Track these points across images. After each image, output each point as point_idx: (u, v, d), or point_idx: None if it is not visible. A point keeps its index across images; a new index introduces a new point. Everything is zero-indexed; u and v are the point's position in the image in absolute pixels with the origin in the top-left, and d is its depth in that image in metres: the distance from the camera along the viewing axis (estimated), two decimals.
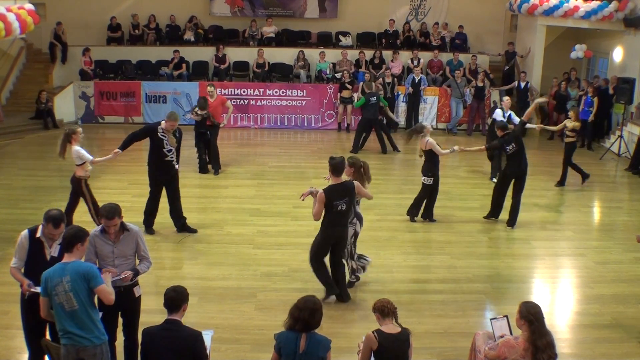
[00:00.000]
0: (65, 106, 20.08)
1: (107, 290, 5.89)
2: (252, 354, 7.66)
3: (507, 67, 21.74)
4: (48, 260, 6.29)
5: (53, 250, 6.42)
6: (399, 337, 6.05)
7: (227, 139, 18.32)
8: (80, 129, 10.70)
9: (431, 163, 11.92)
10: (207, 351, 5.92)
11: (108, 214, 6.50)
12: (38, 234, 6.49)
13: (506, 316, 6.78)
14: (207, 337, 6.20)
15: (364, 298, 9.00)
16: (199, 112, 14.69)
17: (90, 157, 10.47)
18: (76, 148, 10.39)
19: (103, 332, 5.88)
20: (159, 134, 10.71)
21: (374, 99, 17.47)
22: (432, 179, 11.94)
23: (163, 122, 10.76)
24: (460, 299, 9.29)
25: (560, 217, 12.93)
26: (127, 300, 6.76)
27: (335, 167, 8.42)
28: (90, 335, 5.74)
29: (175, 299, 5.74)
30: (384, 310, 6.13)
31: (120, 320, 6.92)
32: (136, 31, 22.09)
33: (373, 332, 6.04)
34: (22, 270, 6.46)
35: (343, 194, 8.45)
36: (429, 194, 12.14)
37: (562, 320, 8.88)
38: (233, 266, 10.10)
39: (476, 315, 8.89)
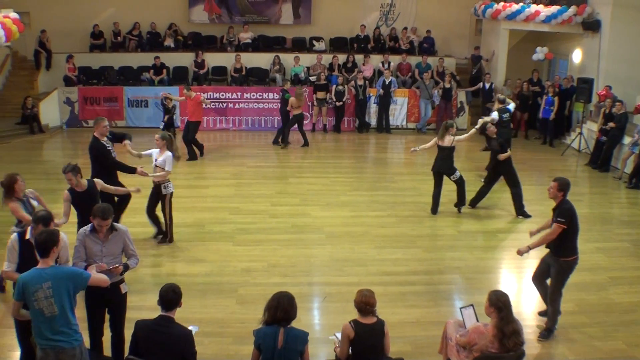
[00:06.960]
0: (51, 111, 20.42)
1: (98, 277, 5.96)
2: (234, 346, 7.83)
3: (475, 71, 22.46)
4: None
5: None
6: (374, 327, 6.23)
7: (206, 141, 18.49)
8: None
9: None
10: None
11: (104, 214, 6.55)
12: (27, 236, 6.56)
13: (472, 305, 7.15)
14: (192, 332, 6.17)
15: (340, 290, 9.26)
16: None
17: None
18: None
19: (79, 334, 5.82)
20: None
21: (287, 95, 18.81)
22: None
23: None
24: (431, 290, 9.60)
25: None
26: (115, 296, 6.86)
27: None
28: (67, 339, 5.69)
29: (173, 299, 5.81)
30: (364, 310, 6.26)
31: (107, 316, 7.06)
32: (118, 38, 22.58)
33: (350, 322, 6.21)
34: None
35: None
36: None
37: (528, 308, 9.16)
38: (214, 263, 10.30)
39: (447, 305, 9.18)
